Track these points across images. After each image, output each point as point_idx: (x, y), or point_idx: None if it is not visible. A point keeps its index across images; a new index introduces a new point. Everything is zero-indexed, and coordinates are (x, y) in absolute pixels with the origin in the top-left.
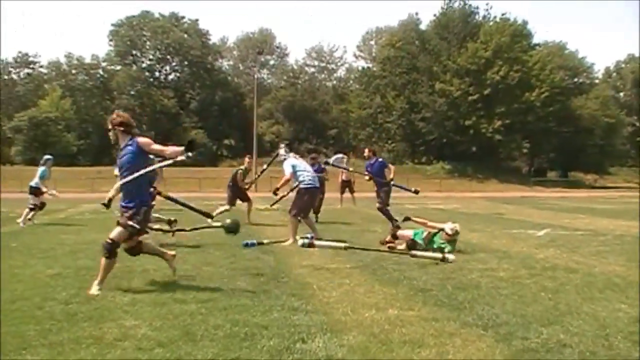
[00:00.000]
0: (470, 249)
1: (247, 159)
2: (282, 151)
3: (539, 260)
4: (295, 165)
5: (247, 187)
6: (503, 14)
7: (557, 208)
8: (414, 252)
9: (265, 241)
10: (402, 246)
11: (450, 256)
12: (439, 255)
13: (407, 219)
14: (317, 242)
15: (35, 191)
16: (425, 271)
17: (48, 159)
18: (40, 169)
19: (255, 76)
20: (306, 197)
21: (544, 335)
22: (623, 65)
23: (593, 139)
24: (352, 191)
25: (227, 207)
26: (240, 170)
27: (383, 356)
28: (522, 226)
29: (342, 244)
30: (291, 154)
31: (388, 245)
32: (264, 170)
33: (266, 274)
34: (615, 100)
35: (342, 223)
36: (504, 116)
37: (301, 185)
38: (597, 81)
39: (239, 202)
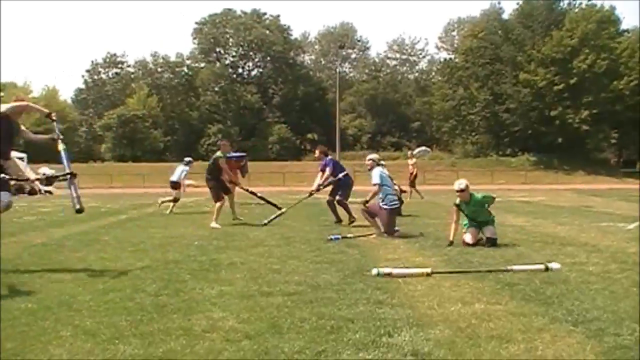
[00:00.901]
0: (558, 242)
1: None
2: (373, 157)
3: (630, 254)
4: (383, 178)
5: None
6: (589, 0)
7: None
8: (511, 267)
9: (349, 235)
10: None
11: (554, 265)
12: (541, 266)
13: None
14: (396, 271)
15: (175, 185)
16: (513, 264)
17: (190, 161)
18: (182, 167)
19: (337, 70)
20: (392, 216)
21: (637, 333)
22: None
23: None
24: (413, 185)
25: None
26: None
27: (470, 351)
28: (611, 219)
29: (427, 270)
30: (379, 166)
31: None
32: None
33: (351, 268)
34: None
35: (426, 216)
36: (591, 106)
37: (388, 205)
38: None
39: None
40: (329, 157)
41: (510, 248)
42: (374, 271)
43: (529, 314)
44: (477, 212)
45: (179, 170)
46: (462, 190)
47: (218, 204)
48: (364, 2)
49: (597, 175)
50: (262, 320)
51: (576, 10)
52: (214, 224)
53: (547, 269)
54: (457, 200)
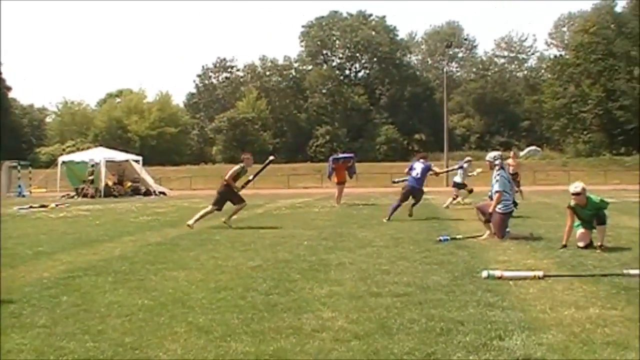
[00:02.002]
0: None
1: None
2: (496, 159)
3: None
4: (505, 184)
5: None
6: None
7: None
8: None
9: (458, 236)
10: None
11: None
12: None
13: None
14: (507, 274)
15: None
16: (629, 267)
17: (469, 160)
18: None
19: (445, 69)
20: (505, 219)
21: None
22: None
23: None
24: (518, 185)
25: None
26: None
27: (584, 357)
28: None
29: (539, 273)
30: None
31: None
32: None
33: (460, 269)
34: None
35: (537, 217)
36: None
37: (502, 209)
38: None
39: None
40: None
41: (626, 251)
42: (484, 273)
43: None
44: (593, 216)
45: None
46: (577, 194)
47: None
48: (471, 0)
49: None
50: (372, 320)
51: None
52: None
53: None
54: (572, 203)
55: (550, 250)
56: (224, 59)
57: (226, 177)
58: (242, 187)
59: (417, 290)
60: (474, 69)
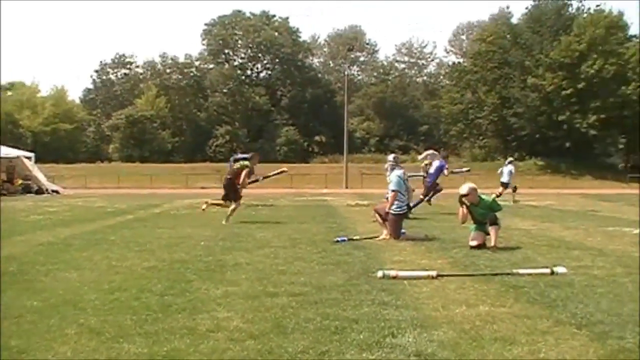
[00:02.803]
0: (565, 246)
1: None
2: (391, 158)
3: (635, 258)
4: (401, 185)
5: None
6: (597, 6)
7: None
8: (516, 270)
9: (356, 237)
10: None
11: (560, 268)
12: (547, 270)
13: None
14: (402, 273)
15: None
16: (518, 267)
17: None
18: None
19: (346, 73)
20: (399, 220)
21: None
22: None
23: None
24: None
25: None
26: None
27: (473, 352)
28: (618, 224)
29: (433, 273)
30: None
31: None
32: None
33: (357, 269)
34: None
35: (433, 219)
36: (599, 111)
37: (395, 210)
38: None
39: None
40: None
41: (516, 251)
42: (380, 273)
43: (533, 317)
44: (485, 215)
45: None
46: (465, 195)
47: (233, 204)
48: (373, 5)
49: (605, 180)
50: (267, 320)
51: (585, 15)
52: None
53: (552, 272)
54: (466, 201)
55: (445, 251)
56: (123, 55)
57: (240, 180)
58: (250, 183)
59: (313, 290)
60: (375, 73)
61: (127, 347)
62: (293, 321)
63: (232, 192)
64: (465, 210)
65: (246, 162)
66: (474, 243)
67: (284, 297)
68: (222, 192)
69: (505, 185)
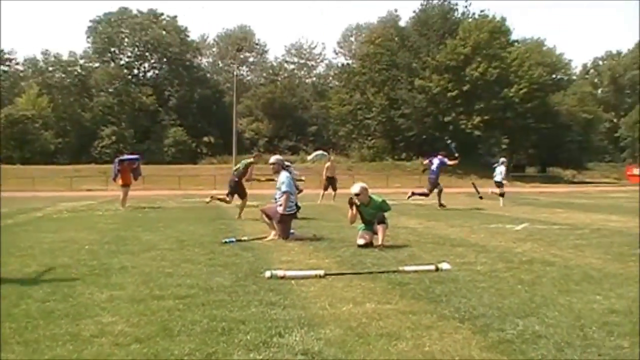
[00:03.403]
0: (449, 243)
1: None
2: (274, 160)
3: (516, 253)
4: (291, 185)
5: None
6: (482, 11)
7: (535, 203)
8: (402, 267)
9: (244, 238)
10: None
11: (445, 265)
12: (432, 266)
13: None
14: (289, 273)
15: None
16: (404, 264)
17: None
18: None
19: (235, 73)
20: (289, 220)
21: (519, 327)
22: (600, 62)
23: (571, 134)
24: (334, 188)
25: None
26: (252, 164)
27: (360, 349)
28: (501, 221)
29: (320, 272)
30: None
31: None
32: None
33: (244, 270)
34: (593, 96)
35: (322, 219)
36: (483, 112)
37: (288, 211)
38: (574, 77)
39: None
40: None
41: (402, 249)
42: (267, 273)
43: (418, 312)
44: (374, 215)
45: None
46: (357, 194)
47: (241, 201)
48: (263, 5)
49: (489, 179)
50: (153, 323)
51: (470, 20)
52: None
53: (437, 269)
54: (357, 201)
55: (333, 250)
56: (2, 51)
57: (247, 175)
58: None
59: (200, 291)
60: (264, 74)
61: (4, 357)
62: (179, 324)
63: (240, 191)
64: (354, 210)
65: (251, 160)
66: (361, 242)
67: (170, 300)
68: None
69: (499, 185)
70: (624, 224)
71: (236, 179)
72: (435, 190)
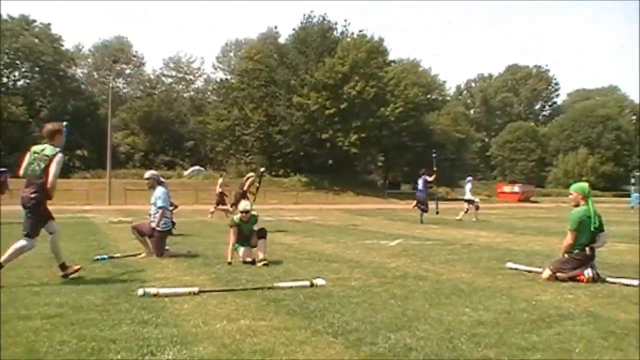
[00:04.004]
0: (325, 259)
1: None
2: (148, 175)
3: (390, 269)
4: (168, 202)
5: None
6: (360, 31)
7: (410, 219)
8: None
9: (117, 255)
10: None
11: (319, 280)
12: (307, 282)
13: None
14: (163, 290)
15: None
16: (280, 281)
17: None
18: None
19: (110, 85)
20: (164, 237)
21: (391, 340)
22: (473, 84)
23: (445, 153)
24: (224, 203)
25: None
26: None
27: None
28: (376, 237)
29: (195, 289)
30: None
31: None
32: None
33: (117, 288)
34: (465, 116)
35: (197, 236)
36: (360, 130)
37: (164, 227)
38: (448, 98)
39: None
40: None
41: (278, 265)
42: (140, 291)
43: (292, 328)
44: (253, 231)
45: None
46: (247, 212)
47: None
48: (141, 16)
49: (365, 196)
50: (18, 345)
51: (348, 39)
52: None
53: (312, 284)
54: (236, 219)
55: (207, 267)
56: None
57: (245, 187)
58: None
59: (69, 310)
60: (141, 87)
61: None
62: (47, 344)
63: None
64: (236, 230)
65: (251, 173)
66: (248, 259)
67: (37, 320)
68: None
69: (471, 202)
70: (492, 239)
71: (241, 191)
72: (433, 205)
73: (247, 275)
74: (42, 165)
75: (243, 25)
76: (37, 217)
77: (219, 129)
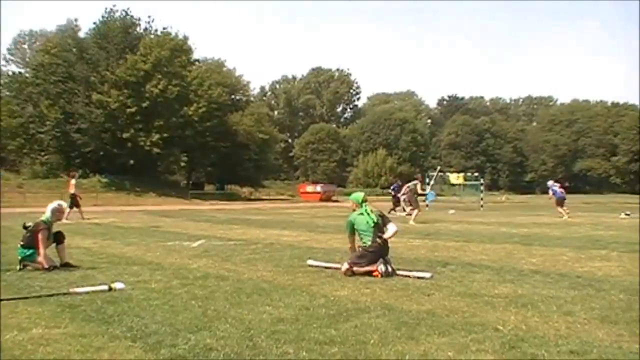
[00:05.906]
0: (125, 262)
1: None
2: None
3: (191, 270)
4: None
5: None
6: (164, 28)
7: (213, 220)
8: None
9: None
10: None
11: (118, 284)
12: (105, 286)
13: None
14: None
15: None
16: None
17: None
18: None
19: None
20: None
21: (191, 341)
22: (277, 86)
23: (249, 153)
24: (78, 205)
25: None
26: None
27: None
28: (178, 238)
29: None
30: None
31: None
32: None
33: None
34: (269, 117)
35: None
36: (163, 130)
37: None
38: (252, 99)
39: None
40: None
41: (75, 270)
42: None
43: (89, 335)
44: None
45: None
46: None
47: None
48: None
49: (168, 197)
50: None
51: (152, 36)
52: None
53: (110, 289)
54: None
55: None
56: None
57: None
58: None
59: None
60: None
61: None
62: None
63: None
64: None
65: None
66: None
67: None
68: None
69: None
70: (294, 238)
71: None
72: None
73: (41, 282)
74: None
75: (39, 16)
76: None
77: (11, 127)
